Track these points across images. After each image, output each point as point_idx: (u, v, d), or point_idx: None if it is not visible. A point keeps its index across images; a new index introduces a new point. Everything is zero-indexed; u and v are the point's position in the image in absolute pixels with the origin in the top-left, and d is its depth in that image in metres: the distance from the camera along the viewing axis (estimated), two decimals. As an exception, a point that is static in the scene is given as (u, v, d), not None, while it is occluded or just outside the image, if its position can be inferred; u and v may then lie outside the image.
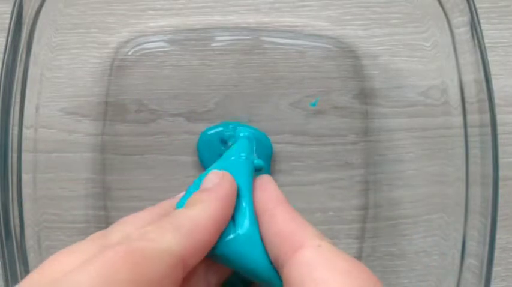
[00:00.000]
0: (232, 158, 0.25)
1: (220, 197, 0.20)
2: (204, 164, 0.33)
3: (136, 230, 0.18)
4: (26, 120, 0.28)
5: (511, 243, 0.34)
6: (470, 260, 0.27)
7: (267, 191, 0.22)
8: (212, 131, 0.33)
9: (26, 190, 0.28)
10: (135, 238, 0.17)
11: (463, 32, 0.28)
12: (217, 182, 0.21)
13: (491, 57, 0.28)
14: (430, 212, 0.32)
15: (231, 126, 0.33)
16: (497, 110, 0.28)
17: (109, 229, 0.19)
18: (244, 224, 0.21)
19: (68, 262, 0.16)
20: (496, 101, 0.28)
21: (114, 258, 0.16)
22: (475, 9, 0.28)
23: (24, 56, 0.27)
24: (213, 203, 0.20)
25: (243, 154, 0.25)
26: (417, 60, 0.32)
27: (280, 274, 0.19)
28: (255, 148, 0.31)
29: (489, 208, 0.27)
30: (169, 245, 0.17)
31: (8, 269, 0.26)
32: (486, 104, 0.27)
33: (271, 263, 0.20)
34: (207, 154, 0.33)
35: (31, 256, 0.27)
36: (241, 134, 0.32)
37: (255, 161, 0.25)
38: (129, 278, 0.15)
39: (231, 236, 0.20)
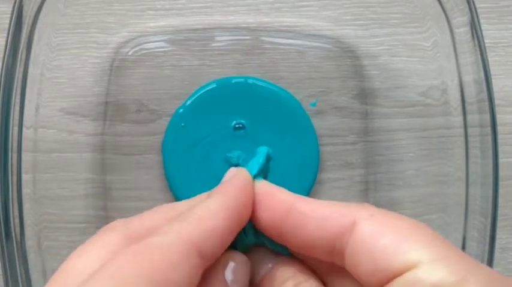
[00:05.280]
0: None
1: (234, 186, 0.19)
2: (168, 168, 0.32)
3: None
4: (26, 120, 0.28)
5: (511, 243, 0.34)
6: (470, 260, 0.27)
7: (275, 196, 0.20)
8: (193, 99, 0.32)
9: (26, 190, 0.28)
10: (145, 234, 0.17)
11: (463, 32, 0.28)
12: (232, 175, 0.21)
13: (491, 57, 0.29)
14: (430, 212, 0.31)
15: (233, 81, 0.32)
16: (497, 110, 0.28)
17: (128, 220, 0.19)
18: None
19: (85, 267, 0.16)
20: (496, 101, 0.28)
21: (123, 261, 0.15)
22: (475, 9, 0.28)
23: (24, 56, 0.27)
24: (225, 193, 0.19)
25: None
26: (417, 60, 0.32)
27: (342, 260, 0.18)
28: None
29: (489, 208, 0.27)
30: (178, 234, 0.16)
31: (8, 269, 0.26)
32: (486, 104, 0.27)
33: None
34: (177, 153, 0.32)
35: (31, 256, 0.27)
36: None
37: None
38: (140, 275, 0.15)
39: None
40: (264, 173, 0.21)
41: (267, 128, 0.32)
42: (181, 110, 0.32)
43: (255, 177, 0.21)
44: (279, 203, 0.19)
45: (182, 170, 0.32)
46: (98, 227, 0.19)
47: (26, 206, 0.28)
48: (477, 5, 0.28)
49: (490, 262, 0.27)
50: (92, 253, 0.17)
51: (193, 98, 0.32)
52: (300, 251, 0.19)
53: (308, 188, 0.32)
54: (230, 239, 0.18)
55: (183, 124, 0.32)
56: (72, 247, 0.18)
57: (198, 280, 0.17)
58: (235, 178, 0.20)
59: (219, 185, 0.20)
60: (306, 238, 0.18)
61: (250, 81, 0.32)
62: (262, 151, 0.23)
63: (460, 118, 0.29)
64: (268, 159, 0.22)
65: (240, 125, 0.32)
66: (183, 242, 0.16)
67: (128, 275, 0.15)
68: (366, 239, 0.17)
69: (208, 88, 0.32)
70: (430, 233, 0.17)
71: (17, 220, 0.27)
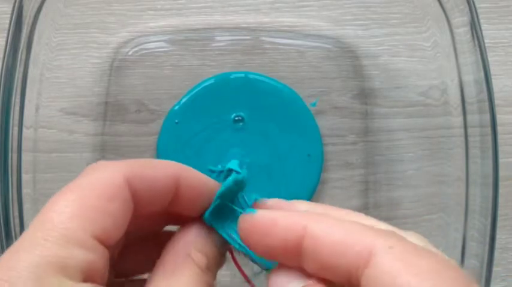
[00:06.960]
0: None
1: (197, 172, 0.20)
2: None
3: None
4: (26, 120, 0.28)
5: (511, 243, 0.34)
6: (470, 261, 0.27)
7: (281, 224, 0.18)
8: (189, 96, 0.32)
9: (26, 190, 0.28)
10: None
11: (463, 32, 0.28)
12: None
13: (491, 57, 0.29)
14: (430, 212, 0.32)
15: (232, 76, 0.32)
16: (497, 110, 0.28)
17: None
18: None
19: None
20: (496, 101, 0.28)
21: (57, 197, 0.16)
22: (475, 9, 0.28)
23: (24, 56, 0.27)
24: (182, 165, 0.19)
25: None
26: (417, 60, 0.32)
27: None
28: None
29: (489, 208, 0.27)
30: (112, 169, 0.17)
31: (8, 269, 0.26)
32: (486, 104, 0.27)
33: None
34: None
35: (31, 256, 0.27)
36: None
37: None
38: (73, 206, 0.16)
39: None
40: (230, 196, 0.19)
41: (268, 123, 0.32)
42: (176, 107, 0.32)
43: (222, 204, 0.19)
44: (289, 231, 0.18)
45: None
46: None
47: (26, 206, 0.28)
48: (477, 5, 0.28)
49: (490, 262, 0.27)
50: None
51: (189, 95, 0.32)
52: (318, 275, 0.18)
53: (313, 186, 0.32)
54: (164, 188, 0.18)
55: (176, 121, 0.32)
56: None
57: (129, 216, 0.17)
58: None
59: None
60: (321, 263, 0.17)
61: (251, 76, 0.32)
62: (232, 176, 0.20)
63: (460, 118, 0.29)
64: (239, 183, 0.20)
65: (240, 118, 0.32)
66: (115, 175, 0.17)
67: (60, 207, 0.16)
68: (382, 276, 0.15)
69: (205, 84, 0.32)
70: (453, 276, 0.15)
71: (17, 220, 0.27)
